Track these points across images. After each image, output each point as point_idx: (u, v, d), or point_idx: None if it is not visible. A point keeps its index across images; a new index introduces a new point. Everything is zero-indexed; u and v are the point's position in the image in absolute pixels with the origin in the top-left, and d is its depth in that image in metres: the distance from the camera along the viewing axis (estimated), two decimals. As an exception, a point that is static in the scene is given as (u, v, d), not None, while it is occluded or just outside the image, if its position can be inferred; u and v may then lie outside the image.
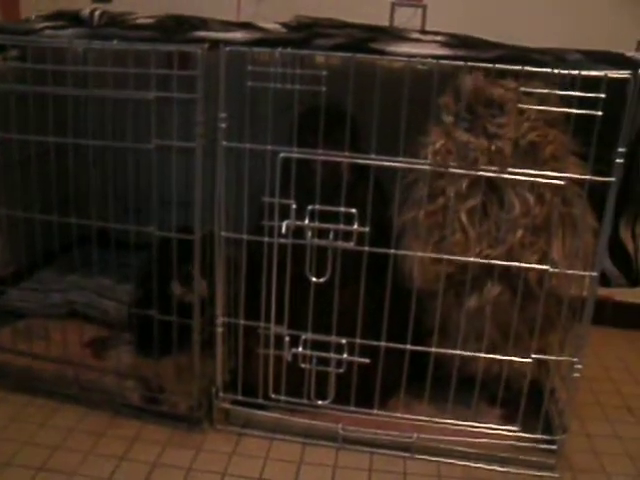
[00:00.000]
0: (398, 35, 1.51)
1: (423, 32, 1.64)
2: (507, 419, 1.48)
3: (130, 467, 1.39)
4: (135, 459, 1.42)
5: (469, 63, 1.26)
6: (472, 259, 1.35)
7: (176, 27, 1.45)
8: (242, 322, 1.44)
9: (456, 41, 1.42)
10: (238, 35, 1.36)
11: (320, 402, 1.45)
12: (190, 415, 1.50)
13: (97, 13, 1.46)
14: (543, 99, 1.29)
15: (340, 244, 1.34)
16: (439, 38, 1.55)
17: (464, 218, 1.36)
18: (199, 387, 1.49)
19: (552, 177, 1.29)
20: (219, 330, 1.45)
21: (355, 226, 1.33)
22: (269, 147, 1.33)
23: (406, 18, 1.79)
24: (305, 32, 1.45)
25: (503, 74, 1.29)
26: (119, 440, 1.47)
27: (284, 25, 1.53)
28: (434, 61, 1.26)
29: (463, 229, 1.36)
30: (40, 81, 1.42)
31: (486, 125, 1.33)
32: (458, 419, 1.45)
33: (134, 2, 1.90)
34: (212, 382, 1.50)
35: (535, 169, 1.30)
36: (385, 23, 1.81)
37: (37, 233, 1.51)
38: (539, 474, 1.42)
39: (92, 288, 1.80)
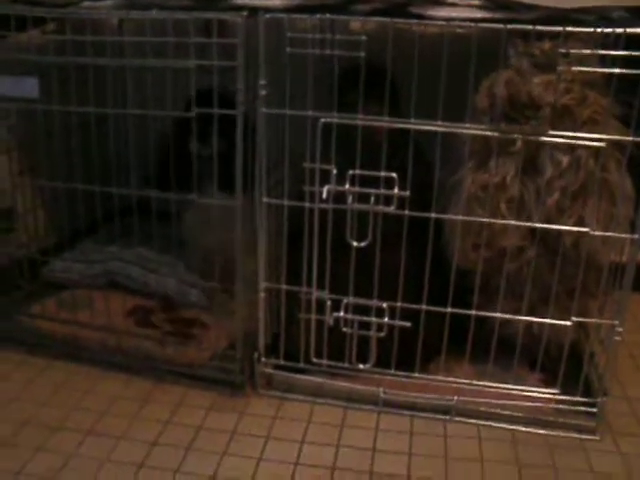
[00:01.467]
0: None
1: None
2: (547, 383, 1.48)
3: (175, 430, 1.42)
4: (180, 423, 1.44)
5: (509, 26, 1.25)
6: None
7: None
8: (284, 287, 1.46)
9: (493, 4, 1.41)
10: (277, 2, 1.36)
11: (361, 366, 1.46)
12: (233, 380, 1.53)
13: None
14: (581, 60, 1.28)
15: (381, 208, 1.35)
16: (476, 2, 1.55)
17: (504, 208, 1.36)
18: (242, 352, 1.51)
19: (588, 139, 1.29)
20: (261, 295, 1.47)
21: (395, 190, 1.34)
22: (310, 113, 1.34)
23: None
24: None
25: (540, 37, 1.29)
26: (163, 405, 1.50)
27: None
28: (473, 24, 1.26)
29: (503, 217, 1.37)
30: (79, 53, 1.43)
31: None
32: (498, 382, 1.46)
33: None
34: (255, 346, 1.52)
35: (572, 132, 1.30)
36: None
37: (79, 203, 1.54)
38: (580, 437, 1.43)
39: (132, 259, 1.82)
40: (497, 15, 1.29)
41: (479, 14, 1.30)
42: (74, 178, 1.54)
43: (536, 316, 1.42)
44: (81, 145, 1.52)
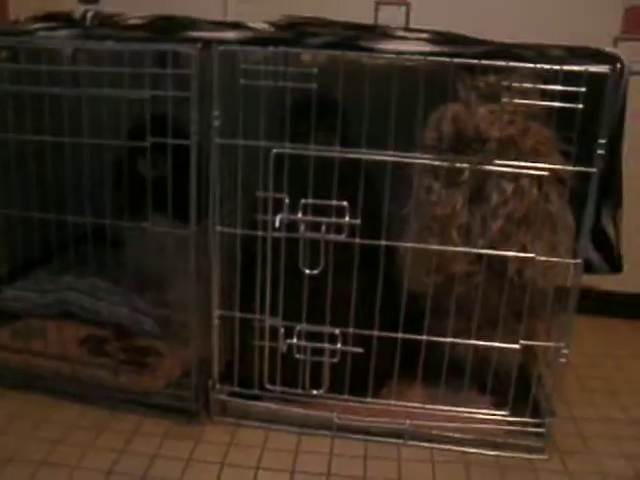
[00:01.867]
0: (384, 33, 1.55)
1: (408, 30, 1.68)
2: (497, 405, 1.52)
3: (131, 459, 1.42)
4: (135, 451, 1.44)
5: (455, 60, 1.30)
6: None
7: (168, 27, 1.48)
8: (238, 314, 1.47)
9: (441, 38, 1.46)
10: (230, 34, 1.39)
11: (315, 392, 1.48)
12: (188, 407, 1.53)
13: (89, 14, 1.49)
14: (523, 93, 1.33)
15: (332, 237, 1.38)
16: (424, 35, 1.60)
17: (454, 235, 1.40)
18: (197, 379, 1.52)
19: (531, 168, 1.34)
20: (215, 322, 1.48)
21: (346, 219, 1.37)
22: (262, 143, 1.36)
23: (390, 17, 1.83)
24: (294, 31, 1.49)
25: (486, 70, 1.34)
26: (118, 434, 1.49)
27: (272, 25, 1.57)
28: (422, 57, 1.31)
29: (454, 244, 1.41)
30: (34, 82, 1.44)
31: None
32: (449, 405, 1.49)
33: (121, 3, 1.93)
34: (209, 374, 1.53)
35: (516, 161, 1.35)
36: (369, 22, 1.85)
37: (33, 232, 1.54)
38: (529, 457, 1.47)
39: (85, 289, 1.82)
40: (445, 49, 1.33)
41: (427, 48, 1.34)
42: (29, 206, 1.54)
43: (484, 337, 1.45)
44: (36, 174, 1.52)
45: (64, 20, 1.52)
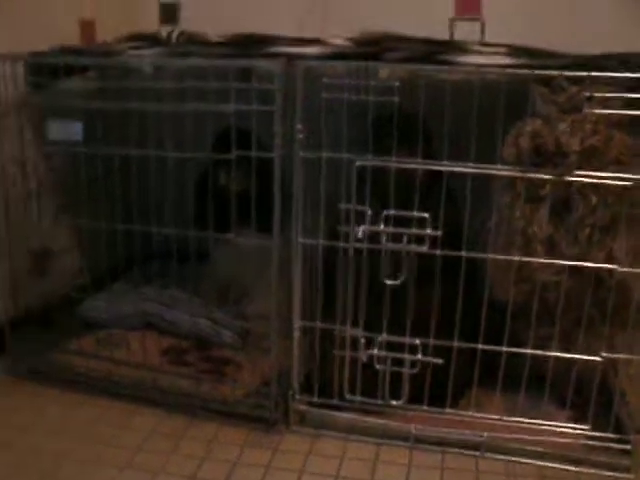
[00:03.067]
0: (462, 48, 1.57)
1: (484, 44, 1.69)
2: (576, 420, 1.50)
3: (212, 466, 1.44)
4: (216, 458, 1.47)
5: (536, 71, 1.31)
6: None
7: (250, 44, 1.52)
8: (319, 325, 1.49)
9: (519, 52, 1.47)
10: (313, 50, 1.42)
11: (394, 402, 1.49)
12: (267, 417, 1.55)
13: (175, 33, 1.53)
14: (605, 102, 1.33)
15: (413, 247, 1.39)
16: (502, 50, 1.61)
17: (539, 248, 1.40)
18: (276, 389, 1.54)
19: (616, 178, 1.33)
20: (296, 333, 1.50)
21: (428, 230, 1.38)
22: (345, 156, 1.39)
23: (465, 33, 1.84)
24: (374, 47, 1.52)
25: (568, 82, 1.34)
26: (198, 442, 1.52)
27: (351, 40, 1.59)
28: (502, 70, 1.32)
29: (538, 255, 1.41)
30: (121, 99, 1.49)
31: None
32: (528, 418, 1.48)
33: (200, 24, 1.99)
34: (289, 384, 1.55)
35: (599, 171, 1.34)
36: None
37: (117, 243, 1.59)
38: (612, 474, 1.43)
39: (166, 301, 1.86)
40: (525, 61, 1.34)
41: (506, 60, 1.35)
42: (114, 219, 1.59)
43: (568, 346, 1.44)
44: (121, 187, 1.57)
45: (150, 39, 1.57)
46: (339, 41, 1.59)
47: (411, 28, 1.67)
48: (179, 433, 1.55)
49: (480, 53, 1.46)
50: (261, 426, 1.56)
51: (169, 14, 2.11)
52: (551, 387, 1.47)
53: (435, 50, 1.44)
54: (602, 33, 1.84)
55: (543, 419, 1.48)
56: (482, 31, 1.83)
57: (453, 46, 1.57)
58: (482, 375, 1.46)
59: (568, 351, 1.44)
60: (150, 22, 2.13)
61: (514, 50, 1.51)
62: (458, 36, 1.85)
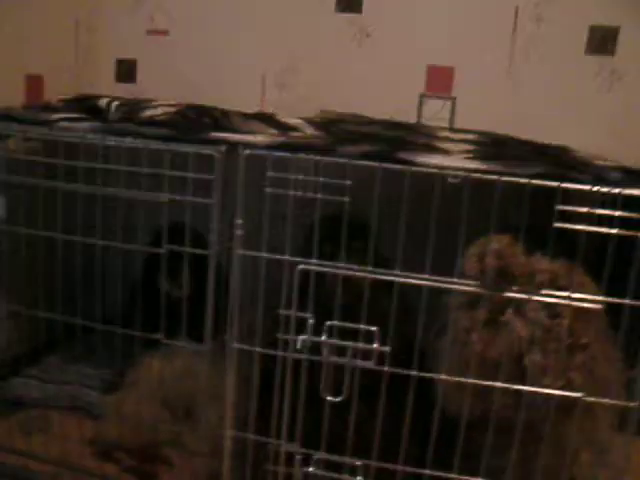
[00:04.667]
0: (427, 135, 1.45)
1: (452, 130, 1.58)
2: None
3: None
4: None
5: (503, 178, 1.18)
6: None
7: (195, 122, 1.39)
8: (252, 437, 1.36)
9: (489, 148, 1.36)
10: (259, 138, 1.29)
11: (331, 528, 1.35)
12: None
13: (114, 105, 1.41)
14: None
15: (359, 363, 1.26)
16: (470, 137, 1.50)
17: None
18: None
19: (588, 301, 1.21)
20: (227, 444, 1.36)
21: (375, 345, 1.24)
22: (287, 257, 1.26)
23: (434, 111, 1.73)
24: (331, 130, 1.40)
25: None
26: None
27: (308, 121, 1.48)
28: (466, 174, 1.19)
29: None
30: (52, 174, 1.36)
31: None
32: None
33: (158, 84, 1.87)
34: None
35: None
36: (413, 115, 1.75)
37: (40, 322, 1.45)
38: None
39: (95, 384, 1.72)
40: (493, 167, 1.22)
41: (474, 164, 1.23)
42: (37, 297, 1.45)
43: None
44: (46, 267, 1.43)
45: (90, 108, 1.44)
46: (295, 121, 1.47)
47: (381, 103, 1.57)
48: None
49: (445, 152, 1.33)
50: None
51: (126, 73, 1.99)
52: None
53: (396, 145, 1.32)
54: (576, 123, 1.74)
55: None
56: (452, 110, 1.73)
57: (417, 134, 1.46)
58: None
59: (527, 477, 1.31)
60: (106, 79, 2.01)
61: (483, 145, 1.40)
62: (427, 114, 1.75)
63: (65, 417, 1.62)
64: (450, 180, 1.19)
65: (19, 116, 1.44)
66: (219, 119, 1.44)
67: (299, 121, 1.46)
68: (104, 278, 1.43)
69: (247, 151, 1.24)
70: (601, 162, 1.39)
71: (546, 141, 1.48)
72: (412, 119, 1.76)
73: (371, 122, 1.49)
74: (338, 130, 1.44)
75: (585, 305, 1.21)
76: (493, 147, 1.46)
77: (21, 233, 1.40)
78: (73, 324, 1.45)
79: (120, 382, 1.68)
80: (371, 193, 1.21)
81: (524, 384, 1.25)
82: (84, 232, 1.38)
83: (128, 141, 1.29)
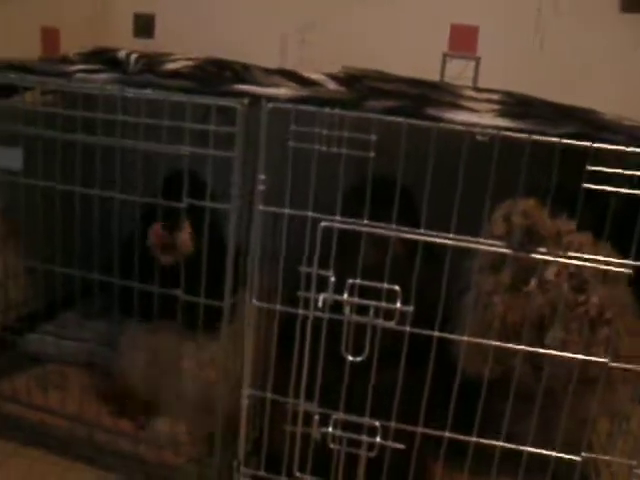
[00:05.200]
0: (451, 94, 1.41)
1: (477, 89, 1.54)
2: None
3: None
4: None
5: (533, 137, 1.15)
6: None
7: (216, 75, 1.36)
8: (270, 396, 1.34)
9: (515, 108, 1.32)
10: (282, 91, 1.26)
11: (348, 486, 1.34)
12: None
13: (133, 57, 1.37)
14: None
15: (380, 322, 1.24)
16: (495, 97, 1.46)
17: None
18: (220, 458, 1.40)
19: (618, 264, 1.18)
20: (244, 402, 1.35)
21: (398, 304, 1.22)
22: (310, 214, 1.23)
23: (458, 70, 1.69)
24: (354, 87, 1.36)
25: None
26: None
27: (330, 76, 1.44)
28: (495, 131, 1.16)
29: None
30: (70, 126, 1.34)
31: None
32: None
33: (177, 40, 1.84)
34: (235, 453, 1.40)
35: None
36: (436, 74, 1.70)
37: (57, 278, 1.44)
38: None
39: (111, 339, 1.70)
40: (523, 125, 1.18)
41: (503, 122, 1.19)
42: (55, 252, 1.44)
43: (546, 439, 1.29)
44: (63, 222, 1.41)
45: (109, 60, 1.41)
46: (317, 76, 1.43)
47: (404, 62, 1.53)
48: (112, 498, 1.41)
49: (471, 110, 1.29)
50: (203, 497, 1.42)
51: (144, 27, 1.94)
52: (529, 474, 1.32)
53: (423, 101, 1.28)
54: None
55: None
56: (476, 70, 1.68)
57: (442, 90, 1.42)
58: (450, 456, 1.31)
59: (545, 443, 1.29)
60: (123, 33, 1.97)
61: (509, 104, 1.37)
62: (450, 72, 1.71)
63: (81, 373, 1.61)
64: (478, 138, 1.16)
65: (36, 68, 1.41)
66: (240, 72, 1.41)
67: (322, 76, 1.43)
68: (121, 233, 1.41)
69: (270, 104, 1.21)
70: (632, 123, 1.34)
71: (575, 102, 1.45)
72: (435, 78, 1.72)
73: (395, 79, 1.45)
74: (361, 86, 1.41)
75: (612, 269, 1.18)
76: (519, 107, 1.42)
77: (38, 186, 1.37)
78: (90, 280, 1.44)
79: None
80: (397, 150, 1.18)
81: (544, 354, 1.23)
82: (103, 186, 1.35)
83: (148, 93, 1.26)
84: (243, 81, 1.36)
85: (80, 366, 1.69)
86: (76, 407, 1.51)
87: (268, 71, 1.46)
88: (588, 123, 1.24)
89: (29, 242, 1.53)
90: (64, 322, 1.80)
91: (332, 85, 1.43)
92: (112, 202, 1.34)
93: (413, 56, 1.73)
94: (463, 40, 1.79)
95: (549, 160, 1.14)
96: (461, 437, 1.29)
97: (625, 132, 1.19)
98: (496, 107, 1.37)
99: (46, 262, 1.45)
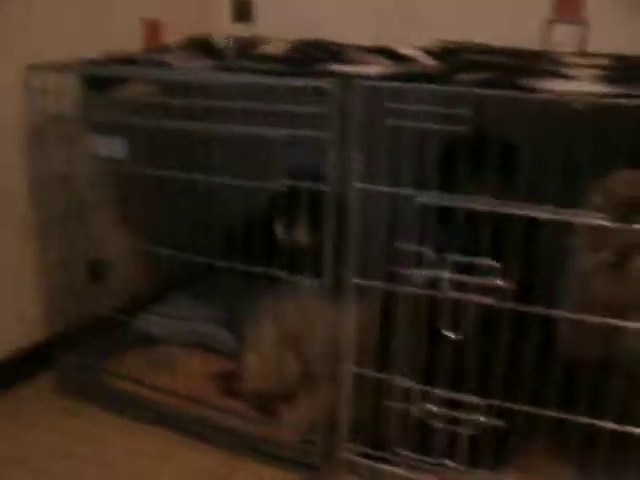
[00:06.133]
0: (553, 62, 1.37)
1: (582, 55, 1.49)
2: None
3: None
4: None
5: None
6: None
7: (309, 57, 1.37)
8: (372, 373, 1.35)
9: (623, 72, 1.26)
10: (372, 69, 1.26)
11: (448, 462, 1.33)
12: (314, 463, 1.43)
13: (230, 42, 1.40)
14: None
15: (478, 298, 1.22)
16: (601, 62, 1.40)
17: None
18: (324, 436, 1.42)
19: None
20: (348, 379, 1.37)
21: (497, 281, 1.20)
22: (405, 191, 1.23)
23: (562, 36, 1.62)
24: (448, 61, 1.34)
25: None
26: (238, 484, 1.42)
27: (425, 51, 1.42)
28: (589, 98, 1.11)
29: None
30: (167, 115, 1.38)
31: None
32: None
33: (275, 23, 1.85)
34: (338, 431, 1.42)
35: None
36: (539, 42, 1.64)
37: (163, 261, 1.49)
38: None
39: (222, 321, 1.76)
40: (621, 90, 1.13)
41: (600, 88, 1.15)
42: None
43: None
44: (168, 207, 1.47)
45: (206, 48, 1.45)
46: (411, 51, 1.42)
47: (508, 31, 1.50)
48: (220, 473, 1.45)
49: (569, 78, 1.25)
50: (307, 472, 1.44)
51: (242, 12, 1.97)
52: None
53: (515, 71, 1.24)
54: None
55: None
56: (584, 36, 1.60)
57: (542, 59, 1.38)
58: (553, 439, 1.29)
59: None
60: (222, 20, 2.01)
61: (615, 68, 1.31)
62: (554, 38, 1.63)
63: (189, 353, 1.66)
64: (574, 106, 1.12)
65: (136, 59, 1.46)
66: (335, 52, 1.41)
67: (416, 52, 1.41)
68: (226, 217, 1.45)
69: (361, 82, 1.21)
70: None
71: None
72: (538, 46, 1.66)
73: (492, 50, 1.42)
74: (457, 59, 1.39)
75: None
76: (627, 71, 1.35)
77: (144, 173, 1.42)
78: (195, 263, 1.48)
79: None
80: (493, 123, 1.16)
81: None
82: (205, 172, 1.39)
83: (241, 77, 1.28)
84: (338, 61, 1.36)
85: (188, 346, 1.75)
86: (186, 383, 1.56)
87: (363, 49, 1.46)
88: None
89: (136, 226, 1.59)
90: (176, 305, 1.87)
91: (427, 60, 1.41)
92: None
93: (514, 24, 1.67)
94: (568, 3, 1.71)
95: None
96: (562, 415, 1.25)
97: None
98: (600, 73, 1.31)
99: (152, 245, 1.51)
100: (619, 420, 1.24)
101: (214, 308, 1.77)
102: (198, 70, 1.34)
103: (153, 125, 1.39)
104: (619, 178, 1.17)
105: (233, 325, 1.74)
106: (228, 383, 1.63)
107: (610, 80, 1.19)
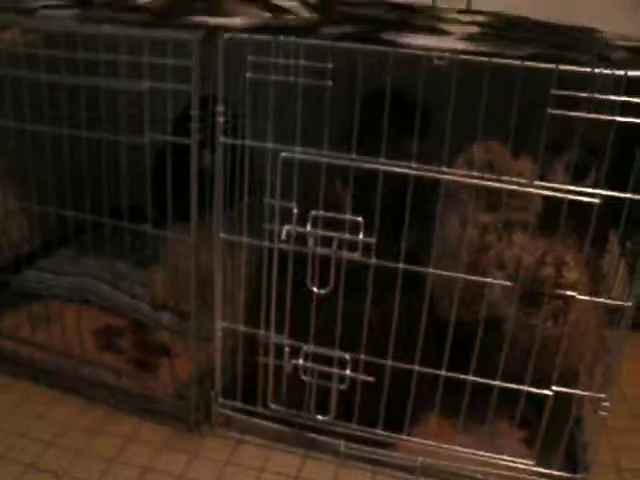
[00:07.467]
0: (431, 18, 1.36)
1: (465, 12, 1.48)
2: (528, 442, 1.35)
3: (120, 470, 1.34)
4: (126, 461, 1.36)
5: (493, 60, 1.09)
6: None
7: (184, 9, 1.33)
8: (241, 328, 1.35)
9: (498, 30, 1.26)
10: (237, 21, 1.23)
11: (320, 417, 1.35)
12: (188, 417, 1.43)
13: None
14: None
15: (345, 254, 1.23)
16: (481, 19, 1.41)
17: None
18: (198, 390, 1.42)
19: (582, 194, 1.13)
20: (218, 334, 1.37)
21: (360, 236, 1.21)
22: (270, 145, 1.21)
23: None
24: (326, 12, 1.32)
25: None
26: (114, 439, 1.41)
27: (304, 2, 1.40)
28: (451, 55, 1.11)
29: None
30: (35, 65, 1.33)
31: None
32: (473, 438, 1.33)
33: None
34: (212, 386, 1.42)
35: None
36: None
37: (51, 216, 1.46)
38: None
39: (105, 276, 1.74)
40: (483, 48, 1.13)
41: (461, 45, 1.15)
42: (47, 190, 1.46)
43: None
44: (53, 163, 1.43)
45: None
46: (288, 3, 1.40)
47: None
48: (96, 428, 1.44)
49: (443, 34, 1.24)
50: (182, 426, 1.44)
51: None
52: (501, 403, 1.30)
53: (378, 27, 1.23)
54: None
55: (490, 439, 1.33)
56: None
57: (421, 14, 1.37)
58: (421, 393, 1.31)
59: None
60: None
61: (492, 27, 1.31)
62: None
63: (71, 309, 1.64)
64: (436, 62, 1.12)
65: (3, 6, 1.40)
66: (211, 3, 1.38)
67: (294, 3, 1.39)
68: (108, 172, 1.42)
69: (226, 35, 1.18)
70: (625, 43, 1.27)
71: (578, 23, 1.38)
72: (426, 1, 1.64)
73: (372, 3, 1.40)
74: (334, 12, 1.37)
75: (582, 199, 1.13)
76: (502, 30, 1.36)
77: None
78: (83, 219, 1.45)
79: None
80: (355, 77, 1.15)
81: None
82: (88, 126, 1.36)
83: (106, 28, 1.24)
84: (213, 13, 1.33)
85: (76, 303, 1.71)
86: (67, 339, 1.54)
87: (240, 0, 1.43)
88: (562, 45, 1.18)
89: (21, 183, 1.54)
90: (60, 259, 1.84)
91: (304, 12, 1.39)
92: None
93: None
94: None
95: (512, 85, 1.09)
96: (430, 370, 1.28)
97: (599, 53, 1.12)
98: (476, 30, 1.31)
99: (39, 203, 1.47)
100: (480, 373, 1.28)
101: (99, 264, 1.73)
102: (62, 19, 1.29)
103: (21, 76, 1.34)
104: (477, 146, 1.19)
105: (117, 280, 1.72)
106: (108, 338, 1.61)
107: (482, 39, 1.19)
